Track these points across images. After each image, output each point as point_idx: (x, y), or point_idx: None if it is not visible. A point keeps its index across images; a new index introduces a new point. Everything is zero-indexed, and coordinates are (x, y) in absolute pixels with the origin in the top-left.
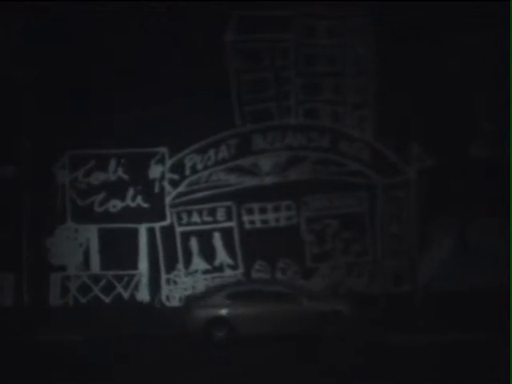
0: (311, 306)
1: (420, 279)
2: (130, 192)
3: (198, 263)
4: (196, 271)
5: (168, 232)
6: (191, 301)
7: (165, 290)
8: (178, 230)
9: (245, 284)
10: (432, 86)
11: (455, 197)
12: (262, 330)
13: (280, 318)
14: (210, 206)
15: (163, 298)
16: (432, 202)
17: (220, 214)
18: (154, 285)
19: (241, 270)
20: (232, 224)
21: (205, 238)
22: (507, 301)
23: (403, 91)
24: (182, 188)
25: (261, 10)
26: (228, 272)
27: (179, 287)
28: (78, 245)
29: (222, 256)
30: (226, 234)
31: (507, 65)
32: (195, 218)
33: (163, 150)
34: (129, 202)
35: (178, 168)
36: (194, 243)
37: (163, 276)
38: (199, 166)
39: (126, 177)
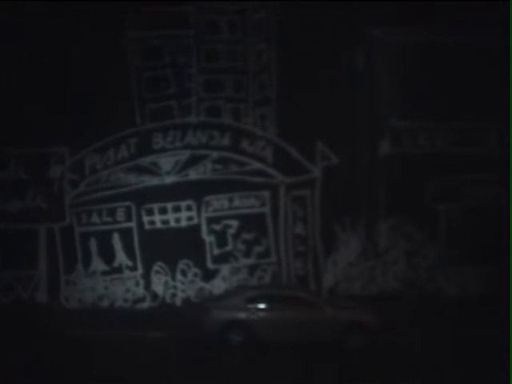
0: (335, 315)
1: (325, 282)
2: (30, 192)
3: (97, 264)
4: (95, 272)
5: (67, 232)
6: (209, 302)
7: (64, 291)
8: (78, 230)
9: (265, 287)
10: (337, 83)
11: (362, 197)
12: (282, 337)
13: (301, 326)
14: (109, 206)
15: (62, 299)
16: (338, 202)
17: (119, 215)
18: (53, 286)
19: (140, 271)
20: (131, 224)
21: (104, 239)
22: (416, 303)
23: (306, 88)
24: (81, 188)
25: (161, 6)
26: (127, 273)
27: (78, 288)
28: None
29: (121, 257)
30: (126, 235)
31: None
32: (95, 218)
33: (63, 149)
34: (28, 202)
35: (77, 168)
36: (93, 244)
37: (62, 277)
38: (99, 166)
39: (25, 177)
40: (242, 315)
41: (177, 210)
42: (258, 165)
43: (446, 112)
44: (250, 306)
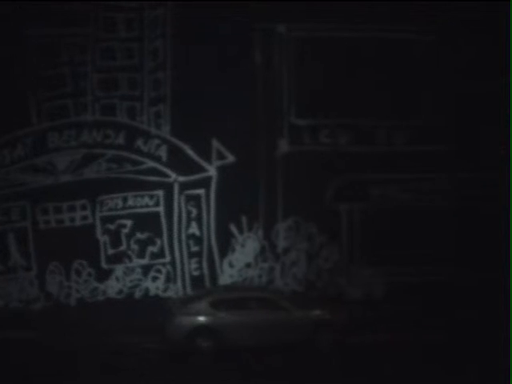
0: (301, 314)
1: (221, 282)
2: None
3: None
4: None
5: None
6: (172, 307)
7: None
8: None
9: (229, 290)
10: (234, 80)
11: (260, 196)
12: (251, 340)
13: (269, 328)
14: (4, 205)
15: None
16: (234, 202)
17: (14, 214)
18: None
19: (34, 271)
20: (26, 224)
21: None
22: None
23: (202, 85)
24: None
25: (60, 4)
26: (22, 273)
27: None
28: None
29: (15, 257)
30: (20, 235)
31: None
32: None
33: None
34: None
35: None
36: None
37: None
38: None
39: None
40: (208, 320)
41: (71, 209)
42: (152, 164)
43: (348, 109)
44: (216, 310)
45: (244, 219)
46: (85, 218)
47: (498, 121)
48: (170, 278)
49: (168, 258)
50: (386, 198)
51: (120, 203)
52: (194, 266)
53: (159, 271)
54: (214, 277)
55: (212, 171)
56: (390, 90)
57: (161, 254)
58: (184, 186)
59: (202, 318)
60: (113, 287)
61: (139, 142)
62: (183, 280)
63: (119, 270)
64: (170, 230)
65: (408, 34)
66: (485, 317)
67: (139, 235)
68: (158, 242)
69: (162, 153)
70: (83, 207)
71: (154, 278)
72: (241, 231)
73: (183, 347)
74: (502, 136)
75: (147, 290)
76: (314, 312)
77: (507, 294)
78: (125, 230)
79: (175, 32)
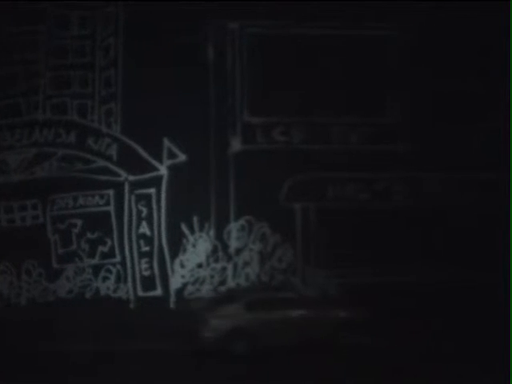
0: (328, 313)
1: (173, 283)
2: None
3: None
4: None
5: None
6: (203, 311)
7: None
8: None
9: (259, 291)
10: (187, 78)
11: (212, 195)
12: (283, 340)
13: (301, 326)
14: None
15: None
16: (186, 201)
17: None
18: None
19: None
20: None
21: None
22: None
23: (154, 83)
24: None
25: (14, 2)
26: None
27: None
28: None
29: None
30: None
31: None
32: None
33: None
34: None
35: None
36: None
37: None
38: None
39: None
40: (244, 322)
41: (23, 208)
42: (103, 163)
43: (303, 106)
44: (251, 311)
45: (195, 219)
46: (36, 217)
47: (458, 119)
48: (120, 278)
49: (118, 258)
50: (342, 198)
51: (71, 202)
52: (144, 266)
53: (109, 271)
54: (164, 277)
55: (163, 170)
56: (345, 88)
57: (111, 254)
58: (135, 186)
59: (237, 321)
60: (63, 287)
61: (90, 141)
62: (133, 280)
63: (70, 269)
64: (121, 229)
65: (365, 31)
66: (439, 317)
67: (90, 235)
68: (109, 241)
69: (113, 152)
70: (34, 206)
71: (105, 278)
72: (192, 231)
73: (218, 349)
74: (461, 134)
75: (97, 290)
76: (337, 311)
77: (465, 293)
78: (75, 230)
79: (127, 30)
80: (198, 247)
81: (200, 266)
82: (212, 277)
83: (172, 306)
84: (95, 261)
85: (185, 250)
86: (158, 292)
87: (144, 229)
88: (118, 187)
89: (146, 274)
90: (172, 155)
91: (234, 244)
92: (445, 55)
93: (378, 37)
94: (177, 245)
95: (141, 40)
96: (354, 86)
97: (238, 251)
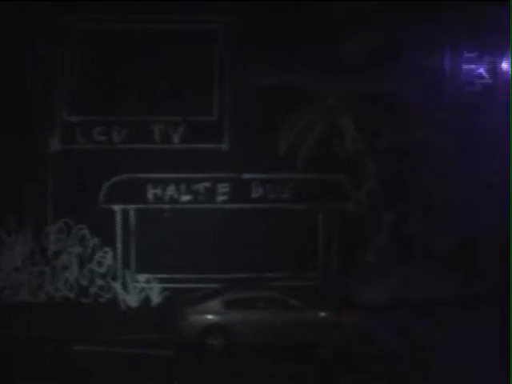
0: (312, 315)
1: None
2: None
3: None
4: None
5: None
6: (184, 306)
7: None
8: None
9: (242, 290)
10: (18, 74)
11: (29, 197)
12: (262, 339)
13: (281, 327)
14: None
15: None
16: (1, 202)
17: None
18: None
19: None
20: None
21: None
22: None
23: None
24: None
25: None
26: None
27: None
28: None
29: None
30: None
31: None
32: None
33: None
34: None
35: None
36: None
37: None
38: None
39: None
40: (220, 319)
41: None
42: None
43: (124, 105)
44: (229, 309)
45: (11, 221)
46: None
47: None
48: None
49: None
50: (163, 199)
51: None
52: None
53: None
54: None
55: None
56: (167, 85)
57: None
58: None
59: (214, 317)
60: None
61: None
62: None
63: None
64: None
65: (189, 26)
66: None
67: None
68: None
69: None
70: None
71: None
72: (9, 233)
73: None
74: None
75: None
76: (325, 313)
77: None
78: None
79: None
80: (15, 250)
81: (17, 269)
82: (30, 280)
83: None
84: None
85: (1, 253)
86: None
87: None
88: None
89: None
90: None
91: (52, 247)
92: (268, 51)
93: (203, 32)
94: None
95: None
96: (176, 82)
97: (57, 254)
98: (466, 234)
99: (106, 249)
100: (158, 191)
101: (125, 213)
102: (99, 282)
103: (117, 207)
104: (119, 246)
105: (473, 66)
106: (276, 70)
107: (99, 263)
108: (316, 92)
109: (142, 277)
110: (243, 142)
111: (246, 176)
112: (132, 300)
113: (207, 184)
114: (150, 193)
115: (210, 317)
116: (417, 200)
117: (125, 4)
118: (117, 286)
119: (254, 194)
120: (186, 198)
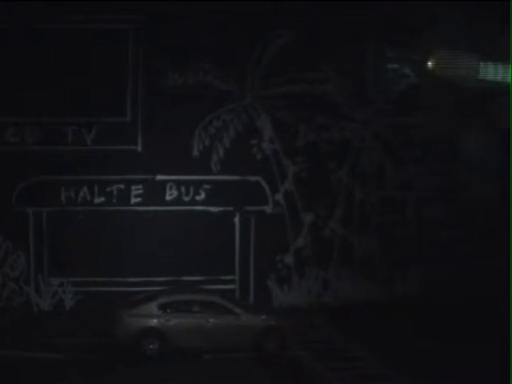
0: (248, 320)
1: None
2: None
3: None
4: None
5: None
6: (121, 309)
7: None
8: None
9: (178, 293)
10: None
11: None
12: (197, 343)
13: (216, 332)
14: None
15: None
16: None
17: None
18: None
19: None
20: None
21: None
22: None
23: None
24: None
25: None
26: None
27: None
28: None
29: None
30: None
31: None
32: None
33: None
34: None
35: None
36: None
37: None
38: None
39: None
40: (155, 322)
41: None
42: None
43: (37, 106)
44: (163, 312)
45: None
46: None
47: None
48: None
49: None
50: (76, 201)
51: None
52: None
53: None
54: None
55: None
56: (81, 85)
57: None
58: None
59: (149, 321)
60: None
61: None
62: None
63: None
64: None
65: (101, 25)
66: None
67: None
68: None
69: None
70: None
71: None
72: None
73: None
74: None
75: None
76: (262, 317)
77: None
78: None
79: None
80: None
81: None
82: None
83: None
84: None
85: None
86: None
87: None
88: None
89: None
90: None
91: None
92: (182, 51)
93: (116, 32)
94: None
95: None
96: (89, 83)
97: None
98: (387, 237)
99: (19, 252)
100: (71, 193)
101: (38, 215)
102: (12, 285)
103: (29, 210)
104: (32, 249)
105: (397, 66)
106: (190, 69)
107: (12, 267)
108: (232, 92)
109: (55, 280)
110: (157, 143)
111: (160, 178)
112: (45, 304)
113: (121, 186)
114: (63, 195)
115: (145, 320)
116: (337, 201)
117: (35, 3)
118: (29, 289)
119: (169, 196)
120: (99, 200)
